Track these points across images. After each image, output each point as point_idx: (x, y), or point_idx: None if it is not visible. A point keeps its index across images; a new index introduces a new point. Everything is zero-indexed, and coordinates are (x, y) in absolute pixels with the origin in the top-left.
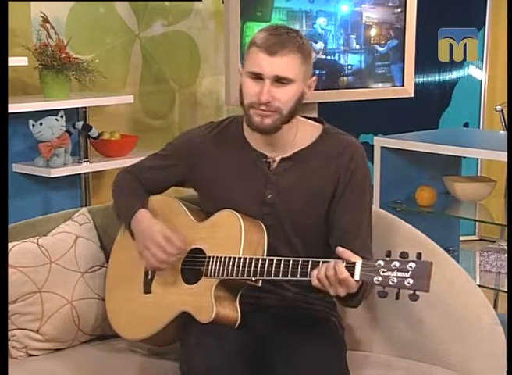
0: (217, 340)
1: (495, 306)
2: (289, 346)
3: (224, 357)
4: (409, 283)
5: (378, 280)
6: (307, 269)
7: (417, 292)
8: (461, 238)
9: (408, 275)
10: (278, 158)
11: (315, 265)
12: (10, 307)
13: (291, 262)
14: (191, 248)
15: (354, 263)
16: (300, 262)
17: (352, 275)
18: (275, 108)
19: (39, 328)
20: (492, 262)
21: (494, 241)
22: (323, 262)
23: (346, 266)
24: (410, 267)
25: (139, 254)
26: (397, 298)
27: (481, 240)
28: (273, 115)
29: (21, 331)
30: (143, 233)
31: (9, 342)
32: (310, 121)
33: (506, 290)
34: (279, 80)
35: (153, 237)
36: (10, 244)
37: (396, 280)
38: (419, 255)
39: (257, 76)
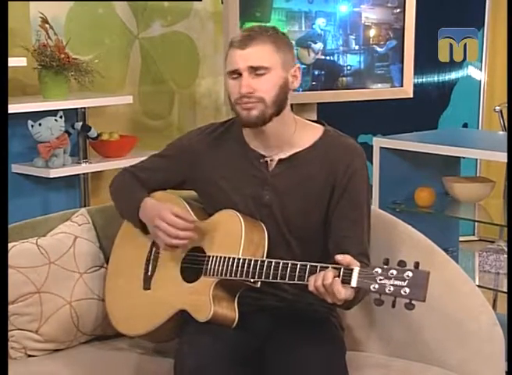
0: (211, 339)
1: (494, 307)
2: (288, 347)
3: (216, 357)
4: (405, 292)
5: (374, 288)
6: (305, 273)
7: (413, 301)
8: (460, 239)
9: (405, 284)
10: (276, 159)
11: (313, 269)
12: (9, 308)
13: (289, 265)
14: (192, 247)
15: (352, 270)
16: (298, 266)
17: (349, 282)
18: (257, 98)
19: (38, 329)
20: (491, 262)
21: (493, 242)
22: (321, 267)
23: (343, 273)
24: (408, 276)
25: (153, 236)
26: (393, 306)
27: (480, 240)
28: (257, 105)
29: (20, 332)
30: (152, 217)
31: (8, 343)
32: (310, 122)
33: (504, 290)
34: (255, 71)
35: (161, 215)
36: (9, 245)
37: (392, 289)
38: (417, 264)
39: (236, 73)
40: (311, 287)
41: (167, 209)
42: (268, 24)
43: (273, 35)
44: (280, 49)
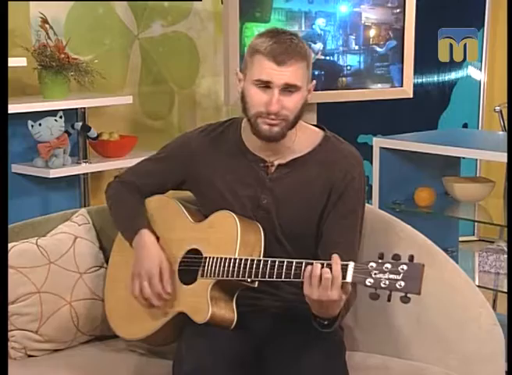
0: (208, 341)
1: (494, 307)
2: (287, 347)
3: (214, 359)
4: (400, 285)
5: (370, 282)
6: (301, 270)
7: (408, 295)
8: (460, 239)
9: (400, 277)
10: (275, 163)
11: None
12: (9, 308)
13: (285, 263)
14: (188, 249)
15: (347, 265)
16: (294, 264)
17: (344, 277)
18: (283, 116)
19: (38, 329)
20: (491, 262)
21: (493, 242)
22: (317, 263)
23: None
24: (402, 269)
25: (132, 274)
26: (389, 300)
27: (480, 240)
28: (281, 123)
29: (20, 332)
30: (142, 259)
31: (8, 343)
32: (311, 127)
33: (504, 290)
34: (287, 89)
35: (151, 270)
36: (9, 245)
37: (387, 283)
38: (411, 258)
39: (265, 85)
40: (307, 274)
41: (157, 267)
42: (268, 24)
43: (304, 50)
44: (309, 65)
